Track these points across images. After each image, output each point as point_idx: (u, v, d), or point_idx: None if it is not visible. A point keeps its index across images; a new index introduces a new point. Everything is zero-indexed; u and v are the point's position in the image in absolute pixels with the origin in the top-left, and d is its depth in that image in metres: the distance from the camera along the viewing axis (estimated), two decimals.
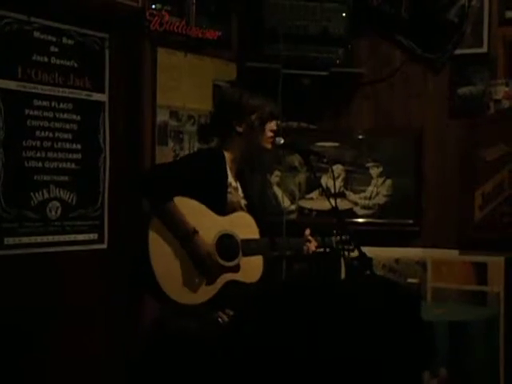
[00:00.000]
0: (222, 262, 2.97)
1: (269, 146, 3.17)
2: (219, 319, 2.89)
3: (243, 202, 3.18)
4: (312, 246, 3.24)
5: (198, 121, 4.40)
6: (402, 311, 2.61)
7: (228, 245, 3.00)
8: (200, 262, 2.93)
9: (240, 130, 3.13)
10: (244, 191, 3.22)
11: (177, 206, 2.91)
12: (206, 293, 2.93)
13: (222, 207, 3.04)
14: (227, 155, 3.13)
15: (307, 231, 3.29)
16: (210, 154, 3.16)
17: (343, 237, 3.26)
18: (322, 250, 3.30)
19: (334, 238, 3.30)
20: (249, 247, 3.04)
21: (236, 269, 3.00)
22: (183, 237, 2.91)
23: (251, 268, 3.06)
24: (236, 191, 3.16)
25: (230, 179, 3.13)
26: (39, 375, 3.64)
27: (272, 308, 2.56)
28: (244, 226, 3.08)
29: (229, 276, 2.98)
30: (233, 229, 3.03)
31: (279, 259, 3.53)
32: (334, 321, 2.48)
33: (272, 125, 3.17)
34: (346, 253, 3.17)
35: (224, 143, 3.17)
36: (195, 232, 2.92)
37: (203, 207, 2.98)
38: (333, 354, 2.45)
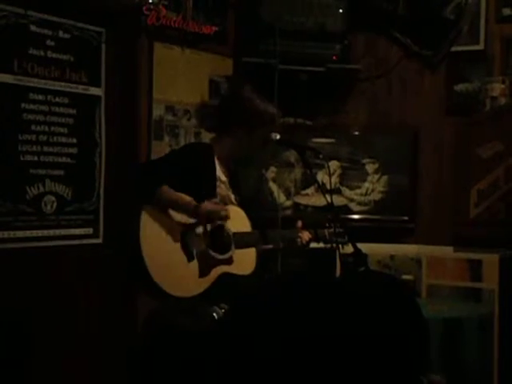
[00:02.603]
0: (215, 254, 2.96)
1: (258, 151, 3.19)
2: (214, 314, 2.89)
3: (233, 197, 3.18)
4: (305, 237, 3.24)
5: (194, 116, 4.40)
6: (404, 306, 2.62)
7: (220, 237, 3.00)
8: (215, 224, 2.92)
9: (238, 131, 3.11)
10: (236, 186, 3.22)
11: (170, 189, 2.91)
12: (199, 285, 2.91)
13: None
14: (217, 149, 3.12)
15: (299, 223, 3.28)
16: (198, 148, 3.15)
17: (337, 229, 3.25)
18: (315, 242, 3.29)
19: (326, 231, 3.29)
20: (241, 240, 3.03)
21: (229, 261, 2.99)
22: (187, 210, 2.90)
23: (244, 261, 3.05)
24: (225, 185, 3.15)
25: (219, 173, 3.11)
26: (33, 370, 3.64)
27: (270, 303, 2.56)
28: (235, 219, 3.06)
29: (222, 268, 2.97)
30: (224, 222, 3.02)
31: (273, 252, 3.52)
32: (333, 317, 2.48)
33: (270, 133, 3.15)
34: (340, 245, 3.16)
35: (217, 137, 3.16)
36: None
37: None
38: (332, 351, 2.45)
